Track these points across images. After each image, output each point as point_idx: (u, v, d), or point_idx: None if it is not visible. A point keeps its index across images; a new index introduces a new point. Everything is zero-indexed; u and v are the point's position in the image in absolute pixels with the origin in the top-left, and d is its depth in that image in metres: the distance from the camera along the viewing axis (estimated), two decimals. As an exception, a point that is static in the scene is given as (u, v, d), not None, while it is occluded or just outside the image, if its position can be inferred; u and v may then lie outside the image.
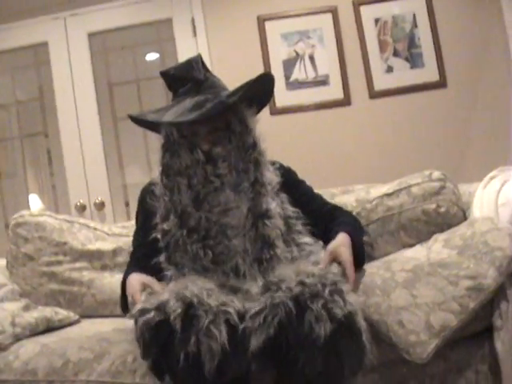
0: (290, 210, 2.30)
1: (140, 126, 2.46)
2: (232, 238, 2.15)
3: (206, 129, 2.22)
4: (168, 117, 2.23)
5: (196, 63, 2.29)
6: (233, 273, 2.13)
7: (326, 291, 1.82)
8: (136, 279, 2.11)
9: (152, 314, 1.81)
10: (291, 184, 2.40)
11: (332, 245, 2.12)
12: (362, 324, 1.84)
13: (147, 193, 2.34)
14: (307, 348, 1.75)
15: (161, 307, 1.81)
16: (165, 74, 2.35)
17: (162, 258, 2.21)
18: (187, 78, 2.27)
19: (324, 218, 2.37)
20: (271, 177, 2.29)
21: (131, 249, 2.52)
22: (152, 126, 2.38)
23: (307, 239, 2.28)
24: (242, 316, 1.84)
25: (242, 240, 2.15)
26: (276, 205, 2.23)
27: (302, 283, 1.85)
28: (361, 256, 2.23)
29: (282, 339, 1.77)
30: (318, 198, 2.51)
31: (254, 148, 2.25)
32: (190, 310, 1.79)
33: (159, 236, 2.22)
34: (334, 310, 1.77)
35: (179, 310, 1.78)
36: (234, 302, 1.88)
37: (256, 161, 2.24)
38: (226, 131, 2.24)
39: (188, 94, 2.25)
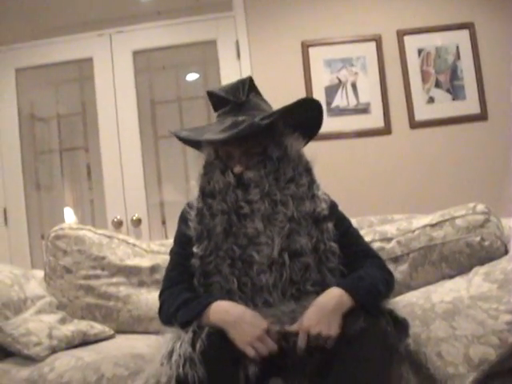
0: (328, 244, 2.14)
1: (184, 143, 2.42)
2: (259, 273, 2.07)
3: (240, 151, 2.16)
4: (204, 135, 2.19)
5: (242, 85, 2.23)
6: (261, 304, 2.06)
7: None
8: (253, 317, 1.93)
9: None
10: (334, 218, 2.23)
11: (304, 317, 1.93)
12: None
13: (186, 213, 2.26)
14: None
15: None
16: (210, 94, 2.30)
17: (195, 280, 2.14)
18: (229, 99, 2.21)
19: (349, 261, 2.19)
20: (315, 205, 2.17)
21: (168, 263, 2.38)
22: (194, 143, 2.34)
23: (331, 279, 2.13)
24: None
25: (268, 276, 2.06)
26: (307, 240, 2.11)
27: None
28: (369, 304, 1.98)
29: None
30: (354, 239, 2.33)
31: (293, 181, 2.17)
32: None
33: (195, 261, 2.14)
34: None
35: None
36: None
37: (296, 195, 2.15)
38: (262, 156, 2.17)
39: (229, 113, 2.21)
